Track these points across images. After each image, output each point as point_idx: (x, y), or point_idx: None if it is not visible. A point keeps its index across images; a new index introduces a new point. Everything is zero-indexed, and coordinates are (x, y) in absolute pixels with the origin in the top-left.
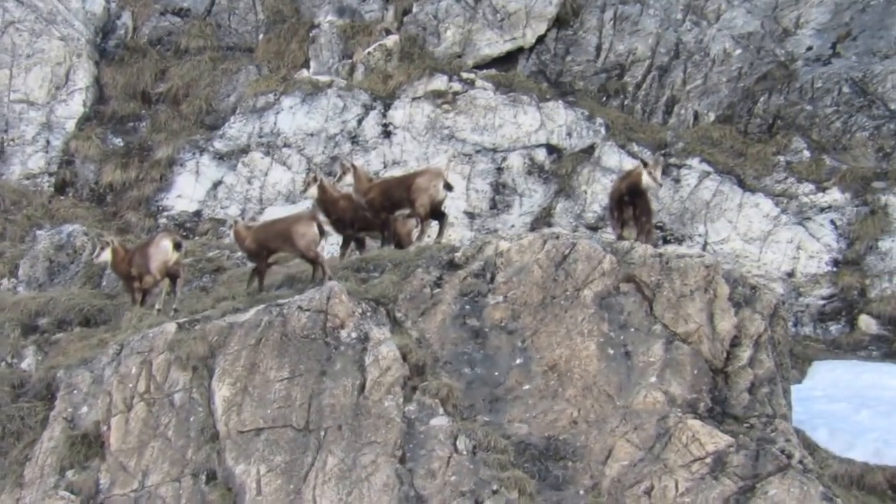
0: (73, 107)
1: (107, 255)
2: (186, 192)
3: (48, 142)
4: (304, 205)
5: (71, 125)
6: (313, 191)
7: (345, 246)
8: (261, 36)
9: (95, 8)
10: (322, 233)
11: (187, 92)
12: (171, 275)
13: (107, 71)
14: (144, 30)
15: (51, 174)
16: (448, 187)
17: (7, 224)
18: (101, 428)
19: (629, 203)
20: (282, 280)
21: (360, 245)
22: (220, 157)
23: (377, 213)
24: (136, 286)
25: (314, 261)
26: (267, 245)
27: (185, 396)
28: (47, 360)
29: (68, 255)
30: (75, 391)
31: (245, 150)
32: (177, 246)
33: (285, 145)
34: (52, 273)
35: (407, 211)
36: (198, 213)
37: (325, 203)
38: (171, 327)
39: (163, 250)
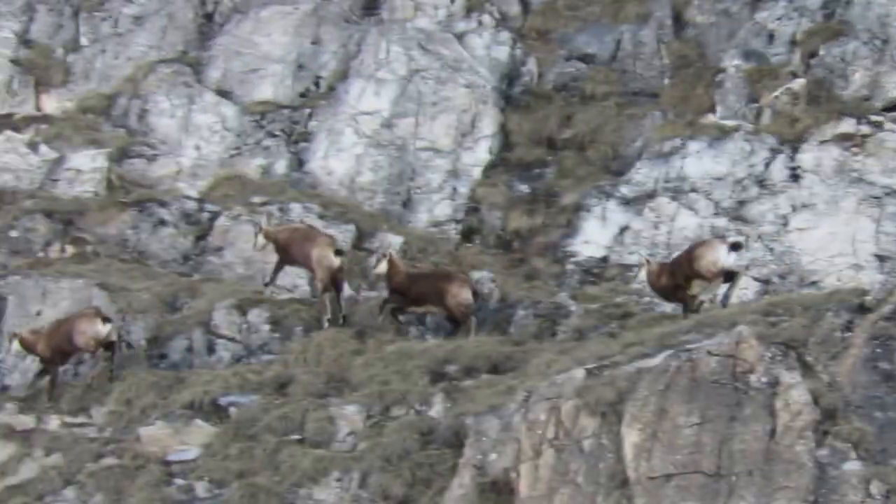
0: (479, 154)
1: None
2: (593, 237)
3: (454, 189)
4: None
5: (477, 172)
6: None
7: None
8: (666, 81)
9: (500, 55)
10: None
11: (593, 138)
12: None
13: (512, 117)
14: (549, 76)
15: (457, 221)
16: None
17: None
18: (510, 475)
19: None
20: (691, 325)
21: None
22: (626, 202)
23: None
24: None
25: None
26: None
27: (595, 442)
28: (455, 407)
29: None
30: (484, 438)
31: (651, 195)
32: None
33: (692, 190)
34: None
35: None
36: (604, 259)
37: None
38: (579, 373)
39: (94, 327)
